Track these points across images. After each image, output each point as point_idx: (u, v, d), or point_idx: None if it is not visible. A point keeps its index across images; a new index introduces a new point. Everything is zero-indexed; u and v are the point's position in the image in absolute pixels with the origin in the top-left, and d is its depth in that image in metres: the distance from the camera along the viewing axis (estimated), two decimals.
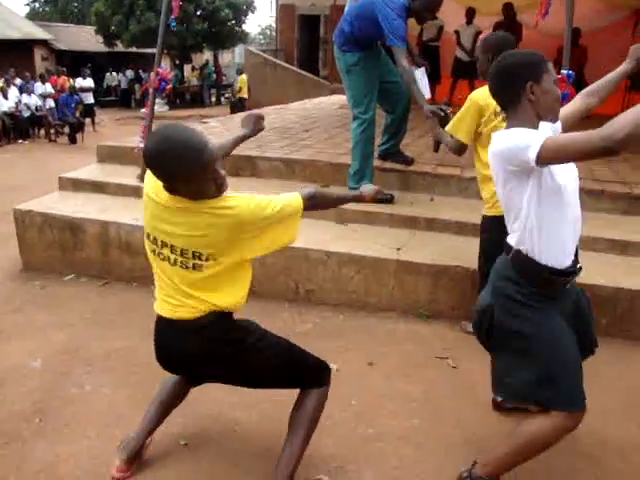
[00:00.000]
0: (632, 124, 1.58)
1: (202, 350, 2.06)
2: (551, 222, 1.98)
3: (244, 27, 26.34)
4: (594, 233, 3.96)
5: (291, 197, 2.04)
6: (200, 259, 1.95)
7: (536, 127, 2.01)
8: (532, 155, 1.81)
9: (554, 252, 2.01)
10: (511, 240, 2.08)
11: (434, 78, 10.02)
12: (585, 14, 8.54)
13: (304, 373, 2.22)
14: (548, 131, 2.05)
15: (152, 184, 2.01)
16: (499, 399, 2.74)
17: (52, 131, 13.88)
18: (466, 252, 3.89)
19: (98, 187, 4.93)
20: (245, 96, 18.03)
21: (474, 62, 10.11)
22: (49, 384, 3.04)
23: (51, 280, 4.37)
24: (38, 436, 2.63)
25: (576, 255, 2.10)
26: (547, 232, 1.98)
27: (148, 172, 2.01)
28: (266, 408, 2.79)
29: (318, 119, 7.93)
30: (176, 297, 2.03)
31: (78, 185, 4.98)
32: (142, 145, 4.80)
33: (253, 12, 25.43)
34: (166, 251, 2.00)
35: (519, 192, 1.97)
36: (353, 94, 4.41)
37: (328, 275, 3.95)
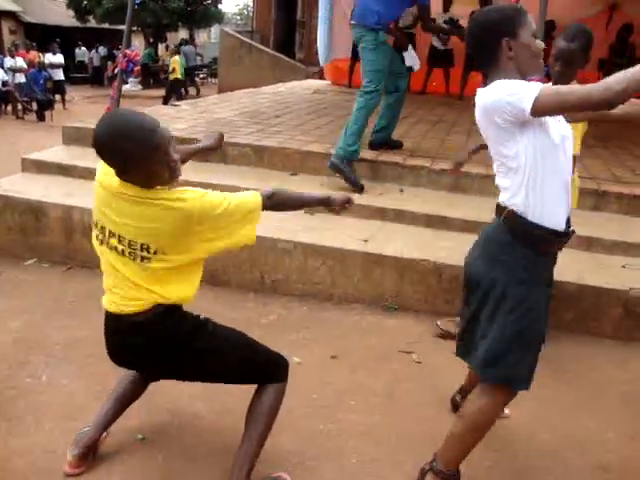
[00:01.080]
0: (630, 79, 1.67)
1: (151, 345, 2.02)
2: (546, 178, 1.96)
3: (220, 7, 25.99)
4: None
5: (249, 195, 1.99)
6: (148, 252, 1.90)
7: None
8: (527, 105, 1.81)
9: (550, 210, 1.99)
10: (503, 198, 2.05)
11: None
12: (560, 7, 8.59)
13: (260, 369, 2.18)
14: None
15: (103, 171, 1.96)
16: (457, 399, 2.73)
17: (19, 107, 13.55)
18: (433, 246, 3.90)
19: (63, 170, 4.82)
20: (180, 77, 17.32)
21: (450, 50, 10.19)
22: (3, 374, 2.95)
23: (11, 265, 4.25)
24: None
25: (568, 218, 2.09)
26: (542, 189, 1.96)
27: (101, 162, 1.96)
28: (228, 401, 2.76)
29: (290, 104, 7.86)
30: (123, 288, 1.98)
31: (42, 167, 4.86)
32: None
33: None
34: (114, 241, 1.95)
35: (510, 147, 1.94)
36: (375, 69, 4.70)
37: (294, 265, 3.92)
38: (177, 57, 17.65)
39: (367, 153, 4.99)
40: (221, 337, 2.12)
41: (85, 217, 4.16)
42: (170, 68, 17.57)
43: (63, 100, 15.49)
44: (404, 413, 2.79)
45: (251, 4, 25.02)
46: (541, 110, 1.82)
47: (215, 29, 27.69)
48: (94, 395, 2.73)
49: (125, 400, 2.38)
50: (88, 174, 4.71)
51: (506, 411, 2.64)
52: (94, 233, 2.05)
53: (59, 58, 16.16)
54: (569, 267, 3.62)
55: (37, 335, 3.34)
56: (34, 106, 13.72)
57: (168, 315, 2.00)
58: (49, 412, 2.68)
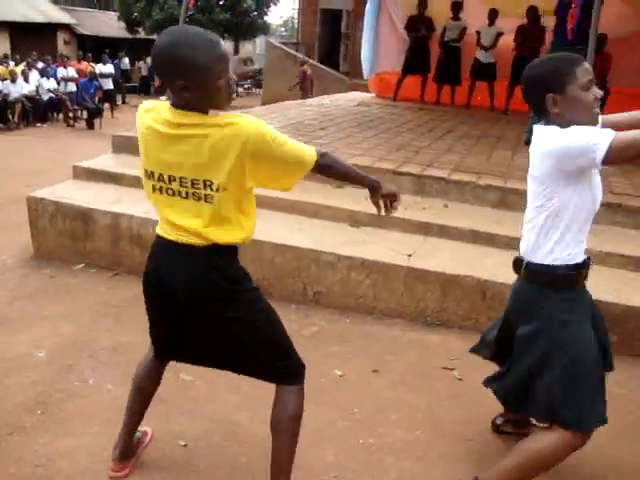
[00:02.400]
0: None
1: (198, 279, 1.93)
2: (573, 224, 1.98)
3: (266, 19, 26.30)
4: (608, 248, 3.91)
5: (306, 147, 1.94)
6: (211, 189, 1.84)
7: None
8: (600, 154, 1.78)
9: (567, 251, 2.00)
10: (522, 247, 2.10)
11: (455, 80, 9.98)
12: (611, 21, 8.44)
13: (289, 354, 2.10)
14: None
15: (150, 114, 1.91)
16: (498, 422, 2.71)
17: (70, 115, 13.95)
18: (478, 262, 3.86)
19: (112, 178, 4.93)
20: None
21: (493, 64, 10.11)
22: (53, 376, 3.04)
23: (61, 269, 4.38)
24: (39, 429, 2.63)
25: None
26: (565, 235, 1.98)
27: (140, 109, 1.95)
28: (268, 411, 2.75)
29: (335, 117, 7.89)
30: (185, 228, 1.92)
31: (92, 175, 4.98)
32: None
33: (276, 4, 25.46)
34: (175, 185, 1.88)
35: (563, 195, 1.95)
36: None
37: (337, 278, 3.93)
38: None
39: (412, 167, 4.97)
40: (263, 302, 2.07)
41: (132, 224, 4.26)
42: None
43: (112, 109, 15.89)
44: (445, 430, 2.76)
45: (296, 16, 25.28)
46: (612, 160, 1.80)
47: (260, 40, 28.06)
48: None
49: (145, 390, 2.34)
50: (136, 182, 4.79)
51: None
52: (150, 185, 1.95)
53: (109, 68, 16.61)
54: (615, 287, 3.55)
55: (85, 339, 3.43)
56: (84, 114, 14.10)
57: (224, 254, 1.96)
58: (95, 415, 2.74)
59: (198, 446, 2.57)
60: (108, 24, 26.35)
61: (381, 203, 2.20)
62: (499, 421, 2.70)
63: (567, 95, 1.93)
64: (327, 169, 2.01)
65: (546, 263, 2.03)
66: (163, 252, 2.00)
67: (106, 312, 3.78)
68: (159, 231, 2.02)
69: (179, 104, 1.83)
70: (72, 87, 14.36)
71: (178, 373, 2.94)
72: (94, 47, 22.14)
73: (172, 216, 1.93)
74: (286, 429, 2.09)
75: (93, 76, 14.88)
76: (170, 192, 1.90)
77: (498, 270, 3.59)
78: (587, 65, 1.95)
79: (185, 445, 2.57)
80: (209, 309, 1.98)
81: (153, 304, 2.11)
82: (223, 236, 1.92)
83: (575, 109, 1.94)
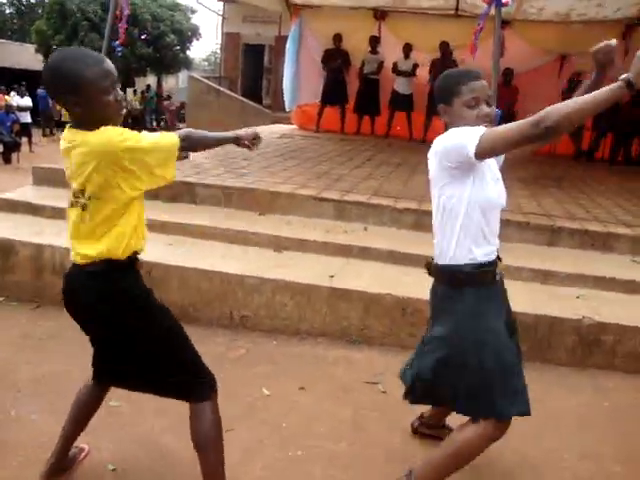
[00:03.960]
0: (561, 114, 1.78)
1: (101, 297, 2.04)
2: (469, 223, 2.11)
3: (189, 53, 26.39)
4: (519, 263, 4.18)
5: (166, 136, 2.03)
6: (83, 196, 1.96)
7: None
8: (471, 148, 1.95)
9: (467, 251, 2.13)
10: (439, 257, 2.21)
11: (374, 110, 10.37)
12: (517, 56, 9.09)
13: (194, 369, 2.16)
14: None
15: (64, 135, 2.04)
16: (415, 424, 2.87)
17: None
18: (397, 280, 4.04)
19: (33, 209, 4.87)
20: None
21: (410, 95, 10.60)
22: None
23: None
24: None
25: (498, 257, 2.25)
26: (462, 234, 2.12)
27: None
28: None
29: (259, 148, 8.03)
30: (79, 242, 2.05)
31: (12, 206, 4.90)
32: None
33: (198, 39, 25.54)
34: (71, 196, 2.03)
35: (451, 192, 2.10)
36: None
37: (263, 302, 4.01)
38: None
39: (333, 193, 5.16)
40: (159, 317, 2.14)
41: (56, 255, 4.21)
42: None
43: (30, 142, 15.49)
44: (370, 440, 2.87)
45: (219, 51, 25.50)
46: (484, 153, 1.97)
47: (183, 74, 28.08)
48: None
49: (84, 413, 2.39)
50: (58, 214, 4.79)
51: None
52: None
53: (27, 101, 16.24)
54: (525, 298, 3.80)
55: (5, 371, 3.34)
56: (0, 148, 13.69)
57: (115, 269, 2.04)
58: (18, 447, 2.69)
59: (128, 469, 2.57)
60: (24, 56, 25.72)
61: (247, 144, 2.39)
62: (416, 423, 2.87)
63: (453, 108, 2.16)
64: (192, 145, 2.13)
65: (449, 263, 2.16)
66: (68, 273, 2.16)
67: (27, 344, 3.71)
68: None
69: (74, 123, 1.98)
70: None
71: (107, 401, 2.93)
72: (10, 79, 21.53)
73: (69, 229, 2.07)
74: (207, 445, 2.14)
75: (9, 109, 14.49)
76: (70, 204, 2.05)
77: (416, 287, 3.78)
78: (476, 84, 2.13)
79: (114, 469, 2.56)
80: (104, 326, 2.10)
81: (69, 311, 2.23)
82: (104, 247, 2.00)
83: (459, 121, 2.14)
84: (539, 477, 2.68)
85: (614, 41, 2.14)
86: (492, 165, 2.23)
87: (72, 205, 2.03)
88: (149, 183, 2.01)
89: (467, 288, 2.16)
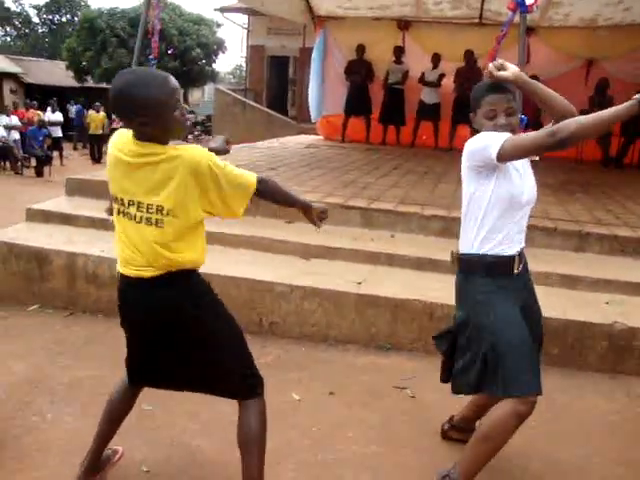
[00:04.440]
0: (576, 127, 1.96)
1: (163, 305, 2.11)
2: (489, 215, 2.27)
3: (214, 66, 26.74)
4: (547, 268, 4.16)
5: (246, 172, 2.11)
6: (162, 213, 2.01)
7: None
8: (494, 151, 2.12)
9: (486, 241, 2.28)
10: (461, 247, 2.38)
11: (399, 120, 10.40)
12: (542, 63, 9.03)
13: (251, 366, 2.26)
14: None
15: (118, 143, 2.08)
16: (445, 427, 2.88)
17: (19, 164, 13.83)
18: (424, 286, 4.05)
19: (66, 219, 4.98)
20: (99, 132, 17.60)
21: (438, 104, 10.59)
22: (9, 413, 3.03)
23: (15, 311, 4.35)
24: None
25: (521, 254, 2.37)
26: (483, 225, 2.28)
27: (113, 137, 2.12)
28: (227, 436, 2.82)
29: (284, 158, 8.12)
30: (140, 256, 2.08)
31: (46, 217, 5.02)
32: None
33: (224, 52, 25.88)
34: (133, 210, 2.05)
35: (475, 187, 2.27)
36: None
37: (291, 308, 4.05)
38: (92, 112, 18.05)
39: (359, 201, 5.19)
40: (224, 316, 2.24)
41: (88, 264, 4.30)
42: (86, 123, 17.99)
43: (61, 156, 15.82)
44: (400, 444, 2.88)
45: (244, 64, 25.80)
46: (505, 156, 2.14)
47: (209, 87, 28.43)
48: None
49: (117, 413, 2.44)
50: (91, 223, 4.91)
51: None
52: (115, 207, 2.12)
53: (58, 116, 16.60)
54: (555, 304, 3.78)
55: (41, 376, 3.43)
56: (32, 162, 14.01)
57: (182, 278, 2.12)
58: (54, 448, 2.76)
59: (160, 472, 2.62)
60: (56, 72, 26.35)
61: (314, 218, 2.43)
62: (446, 427, 2.88)
63: (477, 117, 2.34)
64: (267, 193, 2.20)
65: (469, 252, 2.33)
66: (125, 287, 2.19)
67: (62, 350, 3.79)
68: (120, 269, 2.19)
69: (139, 137, 2.01)
70: (16, 135, 14.31)
71: (140, 404, 2.99)
72: (43, 95, 22.04)
73: (129, 240, 2.10)
74: (256, 442, 2.21)
75: (42, 124, 14.83)
76: (128, 216, 2.07)
77: (443, 293, 3.78)
78: (493, 97, 2.28)
79: (148, 471, 2.61)
80: (172, 330, 2.15)
81: (125, 328, 2.28)
82: (174, 259, 2.07)
83: (482, 129, 2.31)
84: None
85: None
86: (519, 162, 2.32)
87: (134, 219, 2.06)
88: (219, 210, 2.08)
89: (479, 275, 2.31)
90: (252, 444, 2.21)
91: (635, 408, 3.32)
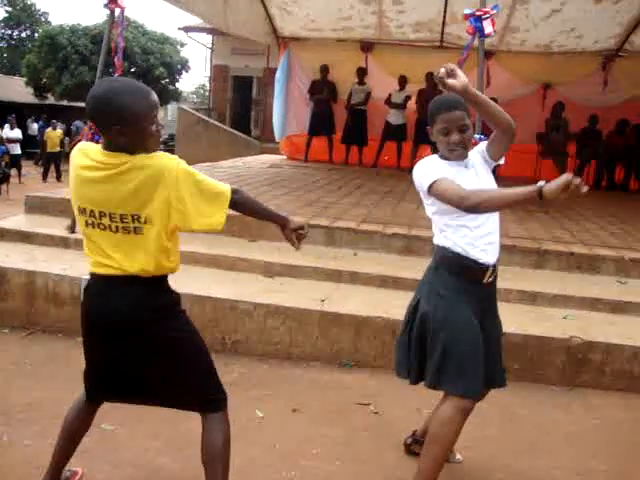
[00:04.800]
0: (482, 200, 2.17)
1: (133, 311, 2.08)
2: (453, 228, 2.43)
3: (178, 85, 26.64)
4: (507, 285, 4.24)
5: (220, 183, 2.10)
6: (139, 221, 2.00)
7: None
8: (426, 185, 2.32)
9: (464, 246, 2.41)
10: (435, 240, 2.55)
11: (361, 141, 10.53)
12: (500, 86, 9.28)
13: (215, 379, 2.24)
14: (476, 155, 2.51)
15: (82, 156, 2.05)
16: (408, 442, 2.91)
17: None
18: (387, 304, 4.09)
19: (25, 237, 4.89)
20: (57, 149, 17.51)
21: (404, 125, 10.76)
22: None
23: None
24: None
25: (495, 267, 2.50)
26: (454, 234, 2.43)
27: (76, 149, 2.09)
28: (190, 453, 2.80)
29: (248, 177, 8.14)
30: (112, 261, 2.06)
31: (4, 234, 4.93)
32: None
33: (187, 71, 25.80)
34: (106, 220, 2.03)
35: (432, 201, 2.43)
36: None
37: (254, 326, 4.04)
38: (50, 130, 17.89)
39: (322, 220, 5.23)
40: (189, 328, 2.22)
41: (48, 282, 4.23)
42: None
43: (19, 174, 15.54)
44: (364, 459, 2.89)
45: (207, 84, 25.79)
46: (432, 195, 2.34)
47: (172, 106, 28.29)
48: None
49: (74, 431, 2.37)
50: (51, 241, 4.83)
51: (458, 456, 2.81)
52: (83, 220, 2.08)
53: (17, 133, 16.32)
54: (515, 320, 3.86)
55: None
56: None
57: (154, 284, 2.10)
58: (12, 471, 2.68)
59: None
60: (13, 88, 25.92)
61: (293, 237, 2.37)
62: (409, 441, 2.90)
63: (434, 132, 2.45)
64: (242, 204, 2.19)
65: (437, 243, 2.51)
66: (96, 285, 2.14)
67: (19, 370, 3.70)
68: (91, 268, 2.14)
69: (110, 147, 2.00)
70: None
71: (99, 424, 2.94)
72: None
73: (105, 248, 2.07)
74: (220, 456, 2.18)
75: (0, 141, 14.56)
76: (102, 227, 2.05)
77: (404, 309, 3.82)
78: (446, 115, 2.37)
79: None
80: (138, 337, 2.10)
81: (89, 340, 2.21)
82: (150, 266, 2.06)
83: (438, 143, 2.45)
84: None
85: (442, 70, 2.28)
86: (466, 176, 2.41)
87: (107, 229, 2.04)
88: (195, 220, 2.04)
89: (450, 271, 2.44)
90: (216, 460, 2.18)
91: (592, 420, 3.40)
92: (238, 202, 2.14)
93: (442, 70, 2.26)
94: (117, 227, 2.03)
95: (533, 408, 3.44)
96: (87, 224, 2.08)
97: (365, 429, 3.18)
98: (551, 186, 1.99)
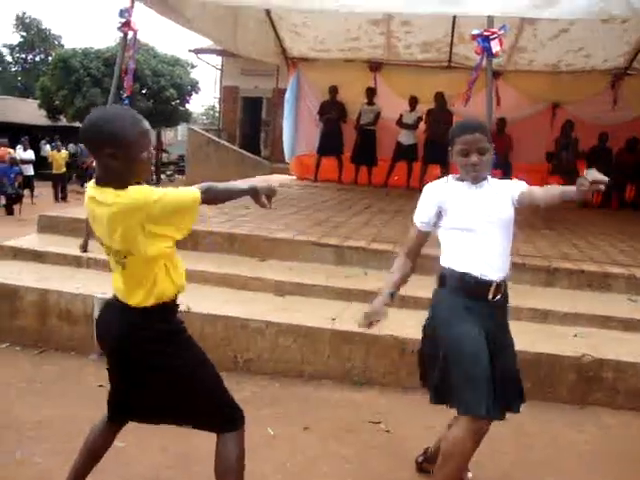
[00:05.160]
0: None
1: (128, 334, 2.15)
2: (456, 249, 2.52)
3: (188, 106, 26.89)
4: (517, 303, 4.23)
5: (187, 189, 2.14)
6: (120, 255, 2.08)
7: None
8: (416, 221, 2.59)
9: (449, 259, 2.52)
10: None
11: (371, 161, 10.57)
12: (510, 106, 9.31)
13: (227, 400, 2.27)
14: (506, 186, 2.56)
15: (89, 192, 2.13)
16: (420, 460, 2.91)
17: None
18: (396, 322, 4.07)
19: (38, 256, 4.95)
20: (62, 170, 17.69)
21: (415, 145, 10.77)
22: None
23: None
24: None
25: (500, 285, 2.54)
26: (455, 254, 2.51)
27: (89, 183, 2.15)
28: (199, 469, 2.82)
29: (272, 204, 8.16)
30: (121, 291, 2.17)
31: (17, 253, 4.99)
32: None
33: (197, 92, 26.03)
34: (106, 251, 2.16)
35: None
36: None
37: (266, 345, 4.05)
38: (53, 151, 18.06)
39: (332, 239, 5.25)
40: (194, 353, 2.25)
41: (61, 301, 4.27)
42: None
43: (32, 195, 15.71)
44: (375, 478, 2.89)
45: (217, 104, 26.00)
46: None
47: (182, 127, 28.53)
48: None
49: (95, 451, 2.41)
50: (63, 260, 4.88)
51: (469, 474, 2.78)
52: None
53: (30, 154, 16.53)
54: (526, 338, 3.85)
55: (9, 415, 3.36)
56: (2, 200, 13.87)
57: (156, 313, 2.15)
58: None
59: None
60: (26, 111, 26.29)
61: (264, 200, 2.43)
62: (420, 459, 2.89)
63: (454, 154, 2.51)
64: (212, 199, 2.25)
65: (441, 263, 2.57)
66: (104, 309, 2.27)
67: (31, 388, 3.73)
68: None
69: (101, 179, 2.06)
70: None
71: None
72: (13, 133, 21.91)
73: (114, 278, 2.19)
74: (233, 470, 2.22)
75: (13, 162, 14.72)
76: (110, 258, 2.17)
77: (416, 329, 3.80)
78: (466, 138, 2.44)
79: None
80: (140, 361, 2.16)
81: (107, 359, 2.29)
82: (139, 298, 2.13)
83: (458, 164, 2.51)
84: None
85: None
86: (475, 195, 2.50)
87: (113, 262, 2.15)
88: (175, 234, 2.11)
89: (442, 288, 2.55)
90: (229, 473, 2.21)
91: (605, 438, 3.38)
92: (209, 199, 2.20)
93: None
94: (116, 260, 2.13)
95: (545, 426, 3.42)
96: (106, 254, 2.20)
97: (376, 447, 3.17)
98: None
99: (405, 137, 10.27)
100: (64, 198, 17.21)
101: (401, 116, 10.22)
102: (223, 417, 2.25)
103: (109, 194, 2.01)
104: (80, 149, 20.22)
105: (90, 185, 2.12)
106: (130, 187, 2.01)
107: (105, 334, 2.23)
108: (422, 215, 2.60)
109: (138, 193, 2.00)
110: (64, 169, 17.56)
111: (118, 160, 2.00)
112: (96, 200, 2.05)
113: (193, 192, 2.13)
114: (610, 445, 3.32)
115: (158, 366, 2.16)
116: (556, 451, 3.20)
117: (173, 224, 2.08)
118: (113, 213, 2.00)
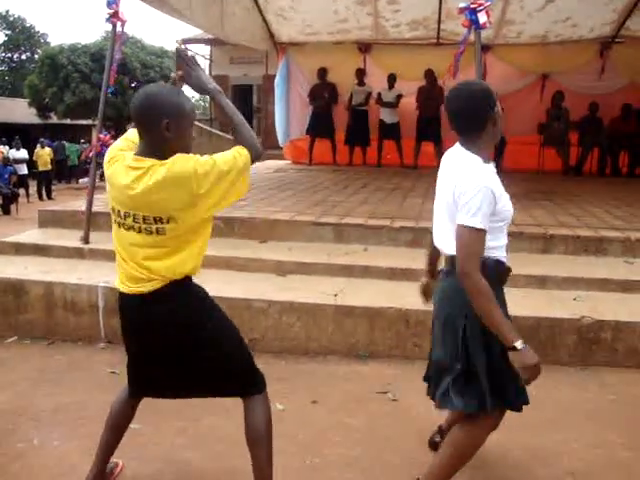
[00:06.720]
0: (482, 297, 2.15)
1: (169, 315, 2.19)
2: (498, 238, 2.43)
3: None
4: (515, 270, 4.28)
5: (232, 153, 2.15)
6: (162, 222, 2.08)
7: (490, 157, 2.31)
8: (465, 219, 2.17)
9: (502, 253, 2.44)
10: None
11: (364, 141, 10.59)
12: (499, 79, 9.34)
13: (253, 363, 2.37)
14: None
15: (117, 159, 2.17)
16: (436, 440, 2.83)
17: None
18: (398, 295, 4.15)
19: (40, 250, 5.00)
20: (48, 168, 17.60)
21: (397, 124, 10.77)
22: None
23: None
24: None
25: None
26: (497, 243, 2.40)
27: (111, 151, 2.22)
28: (215, 448, 2.90)
29: (254, 181, 8.17)
30: (138, 270, 2.16)
31: (19, 249, 5.03)
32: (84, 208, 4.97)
33: None
34: (129, 220, 2.13)
35: None
36: None
37: (270, 324, 4.12)
38: (39, 149, 17.94)
39: (331, 218, 5.31)
40: (227, 320, 2.36)
41: (66, 292, 4.32)
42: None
43: (27, 194, 15.72)
44: (384, 445, 2.96)
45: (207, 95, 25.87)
46: (458, 234, 2.24)
47: None
48: (88, 452, 2.78)
49: (118, 425, 2.49)
50: (65, 252, 4.93)
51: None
52: (113, 218, 2.21)
53: (22, 153, 16.54)
54: (524, 303, 3.92)
55: (24, 404, 3.42)
56: None
57: (180, 289, 2.20)
58: (44, 472, 2.76)
59: None
60: (17, 110, 26.20)
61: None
62: (437, 438, 2.83)
63: (496, 111, 2.25)
64: (252, 145, 2.25)
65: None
66: (124, 305, 2.28)
67: (44, 378, 3.79)
68: (119, 287, 2.27)
69: (144, 153, 2.10)
70: None
71: None
72: (4, 133, 21.89)
73: (124, 254, 2.20)
74: (265, 435, 2.31)
75: (7, 161, 14.72)
76: (125, 227, 2.16)
77: (417, 300, 3.88)
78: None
79: None
80: (176, 342, 2.23)
81: (130, 347, 2.36)
82: (173, 267, 2.16)
83: (499, 122, 2.29)
84: (550, 467, 2.76)
85: None
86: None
87: (132, 229, 2.14)
88: (229, 200, 2.16)
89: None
90: (261, 438, 2.29)
91: (607, 396, 3.46)
92: (256, 154, 2.23)
93: None
94: (140, 228, 2.12)
95: (549, 388, 3.47)
96: (116, 223, 2.20)
97: (384, 416, 3.25)
98: (524, 360, 2.16)
99: (388, 116, 10.26)
100: (48, 195, 17.12)
101: (379, 94, 10.24)
102: (252, 378, 2.35)
103: (151, 162, 2.06)
104: (63, 145, 19.92)
105: (126, 154, 2.16)
106: (177, 155, 2.06)
107: (140, 325, 2.26)
108: (487, 215, 2.22)
109: (184, 159, 2.06)
110: (50, 166, 17.53)
111: (171, 132, 2.06)
112: (136, 168, 2.07)
113: (243, 153, 2.15)
114: (613, 402, 3.40)
115: (198, 334, 2.22)
116: (561, 410, 3.27)
117: (221, 190, 2.10)
118: (160, 180, 2.03)
